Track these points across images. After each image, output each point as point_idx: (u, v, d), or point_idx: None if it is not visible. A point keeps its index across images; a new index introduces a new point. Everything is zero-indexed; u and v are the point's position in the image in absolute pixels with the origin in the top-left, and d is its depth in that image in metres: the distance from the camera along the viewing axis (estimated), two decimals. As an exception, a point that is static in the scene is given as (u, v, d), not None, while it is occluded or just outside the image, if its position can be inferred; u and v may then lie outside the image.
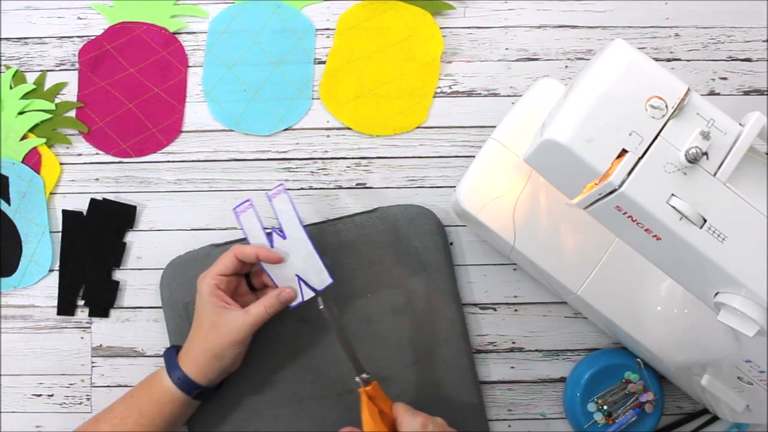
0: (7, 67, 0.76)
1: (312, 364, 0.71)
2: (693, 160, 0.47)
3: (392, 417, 0.62)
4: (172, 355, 0.65)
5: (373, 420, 0.61)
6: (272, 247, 0.66)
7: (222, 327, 0.63)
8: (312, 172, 0.76)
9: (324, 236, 0.72)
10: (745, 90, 0.77)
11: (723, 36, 0.77)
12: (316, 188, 0.76)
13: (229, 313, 0.64)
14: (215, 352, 0.63)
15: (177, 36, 0.77)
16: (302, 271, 0.67)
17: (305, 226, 0.66)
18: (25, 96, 0.76)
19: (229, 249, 0.65)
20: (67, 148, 0.76)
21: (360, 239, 0.72)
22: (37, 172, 0.75)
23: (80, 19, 0.78)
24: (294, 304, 0.67)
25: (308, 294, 0.67)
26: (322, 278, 0.67)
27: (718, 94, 0.77)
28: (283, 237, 0.66)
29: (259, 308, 0.64)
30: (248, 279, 0.69)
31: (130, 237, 0.75)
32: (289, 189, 0.76)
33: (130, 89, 0.76)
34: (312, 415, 0.71)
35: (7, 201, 0.74)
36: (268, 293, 0.66)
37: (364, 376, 0.64)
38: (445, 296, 0.72)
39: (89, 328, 0.74)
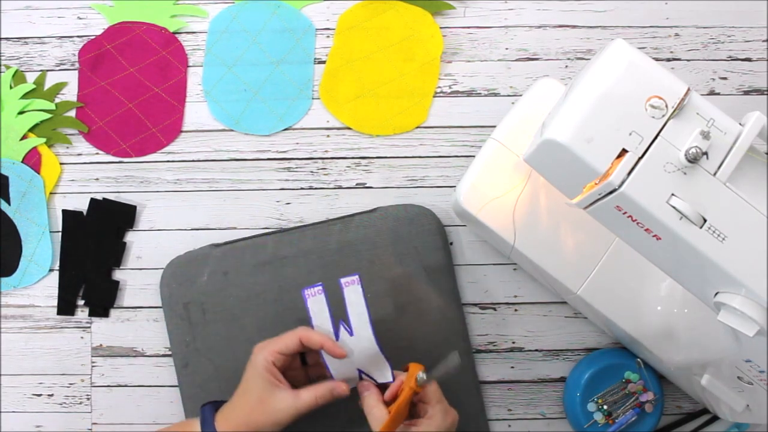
0: (7, 67, 0.76)
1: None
2: (693, 159, 0.47)
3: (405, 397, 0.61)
4: (209, 415, 0.63)
5: (398, 420, 0.60)
6: (337, 339, 0.64)
7: (269, 406, 0.61)
8: (312, 172, 0.76)
9: (324, 236, 0.72)
10: (745, 90, 0.77)
11: (723, 36, 0.77)
12: (316, 188, 0.76)
13: (280, 392, 0.62)
14: (256, 429, 0.62)
15: (177, 36, 0.77)
16: (365, 367, 0.64)
17: (373, 323, 0.64)
18: (25, 96, 0.76)
19: (295, 329, 0.63)
20: (67, 147, 0.76)
21: (360, 239, 0.72)
22: (37, 171, 0.75)
23: (80, 18, 0.78)
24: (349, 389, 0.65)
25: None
26: (385, 375, 0.64)
27: (718, 94, 0.77)
28: (350, 333, 0.63)
29: (310, 397, 0.62)
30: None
31: (130, 237, 0.75)
32: (288, 189, 0.76)
33: (130, 89, 0.76)
34: (310, 415, 0.70)
35: (7, 201, 0.74)
36: (321, 383, 0.64)
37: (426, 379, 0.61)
38: (445, 296, 0.72)
39: (89, 328, 0.74)
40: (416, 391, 0.61)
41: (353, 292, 0.64)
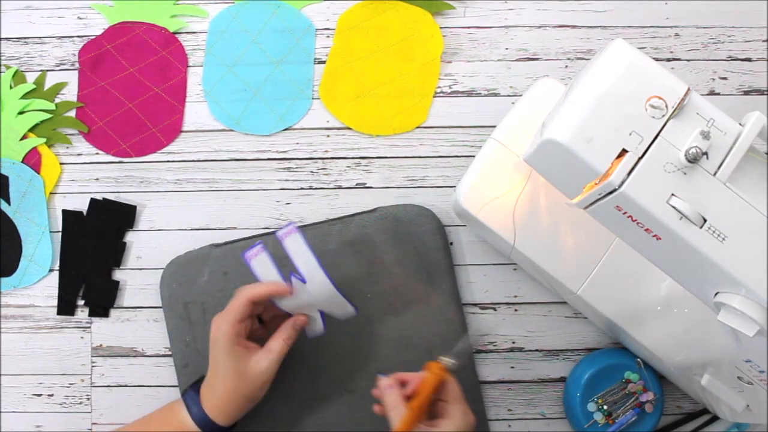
0: (7, 67, 0.76)
1: (312, 363, 0.71)
2: (693, 159, 0.47)
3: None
4: (195, 399, 0.63)
5: (420, 412, 0.59)
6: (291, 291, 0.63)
7: (249, 374, 0.62)
8: (312, 172, 0.76)
9: (324, 236, 0.72)
10: (745, 90, 0.77)
11: (723, 36, 0.77)
12: (316, 188, 0.76)
13: (253, 356, 0.62)
14: (247, 397, 0.62)
15: (177, 36, 0.77)
16: (325, 307, 0.65)
17: (323, 265, 0.62)
18: (25, 96, 0.76)
19: (238, 293, 0.62)
20: (67, 148, 0.76)
21: (360, 239, 0.72)
22: (37, 172, 0.75)
23: (80, 18, 0.78)
24: (315, 334, 0.66)
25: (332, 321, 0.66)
26: (346, 311, 0.65)
27: (718, 94, 0.77)
28: (302, 280, 0.62)
29: (279, 343, 0.63)
30: None
31: (130, 237, 0.75)
32: (289, 189, 0.76)
33: (130, 89, 0.76)
34: (311, 415, 0.71)
35: (7, 201, 0.74)
36: (281, 327, 0.64)
37: (453, 362, 0.60)
38: (445, 296, 0.72)
39: (89, 328, 0.74)
40: (443, 379, 0.60)
41: (294, 242, 0.62)
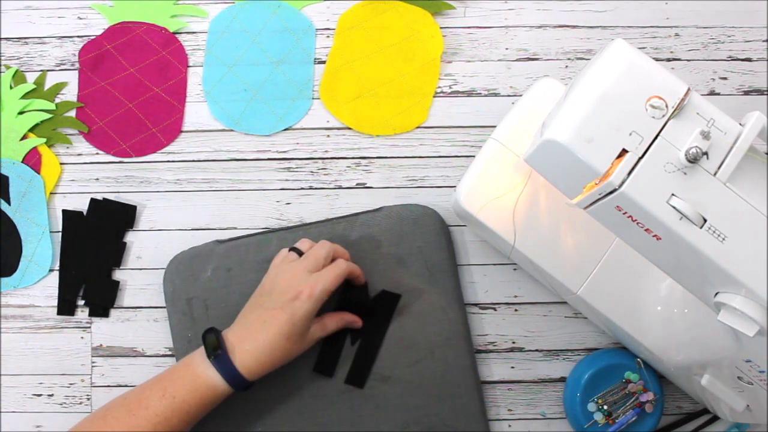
0: (7, 67, 0.76)
1: (312, 363, 0.71)
2: (693, 159, 0.47)
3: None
4: (226, 363, 0.62)
5: None
6: None
7: (305, 341, 0.66)
8: (312, 172, 0.76)
9: (328, 235, 0.72)
10: (745, 90, 0.77)
11: (723, 36, 0.77)
12: (316, 188, 0.76)
13: (313, 326, 0.66)
14: (288, 358, 0.65)
15: (177, 36, 0.77)
16: None
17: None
18: (25, 96, 0.76)
19: (341, 264, 0.66)
20: (67, 148, 0.76)
21: (364, 238, 0.72)
22: (37, 172, 0.75)
23: (80, 19, 0.78)
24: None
25: None
26: None
27: (718, 94, 0.77)
28: None
29: (333, 324, 0.68)
30: None
31: (130, 237, 0.75)
32: (289, 189, 0.76)
33: (130, 89, 0.76)
34: (311, 414, 0.71)
35: (7, 201, 0.74)
36: (340, 314, 0.69)
37: None
38: (447, 296, 0.72)
39: (89, 328, 0.74)
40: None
41: None
